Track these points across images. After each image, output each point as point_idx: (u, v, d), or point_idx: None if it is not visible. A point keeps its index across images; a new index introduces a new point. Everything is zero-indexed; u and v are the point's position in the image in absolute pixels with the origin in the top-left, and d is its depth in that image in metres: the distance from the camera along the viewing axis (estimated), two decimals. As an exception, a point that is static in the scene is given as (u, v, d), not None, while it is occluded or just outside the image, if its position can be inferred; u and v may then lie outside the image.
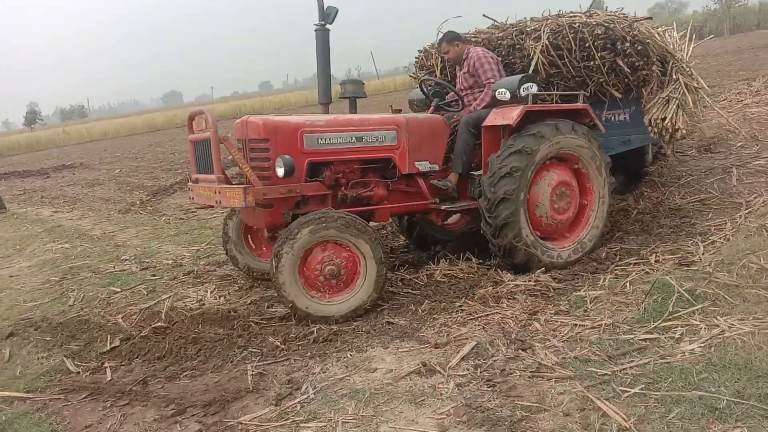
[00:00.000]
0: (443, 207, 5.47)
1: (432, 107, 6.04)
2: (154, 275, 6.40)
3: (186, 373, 4.01)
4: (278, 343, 4.26)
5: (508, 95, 5.25)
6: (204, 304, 5.26)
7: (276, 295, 4.75)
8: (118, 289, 5.97)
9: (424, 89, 6.25)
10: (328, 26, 5.57)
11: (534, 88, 5.24)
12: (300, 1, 5.62)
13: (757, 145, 8.19)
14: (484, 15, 6.77)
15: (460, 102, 5.99)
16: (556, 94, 5.69)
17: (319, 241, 4.56)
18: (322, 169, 5.16)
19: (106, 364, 4.26)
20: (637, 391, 3.06)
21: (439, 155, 5.53)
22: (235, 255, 5.83)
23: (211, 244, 7.43)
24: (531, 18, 6.40)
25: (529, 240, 5.18)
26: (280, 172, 4.72)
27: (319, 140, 5.03)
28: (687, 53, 6.58)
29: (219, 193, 4.73)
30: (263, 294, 5.40)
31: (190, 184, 5.33)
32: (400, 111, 5.88)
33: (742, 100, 11.54)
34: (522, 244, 5.13)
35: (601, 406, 2.96)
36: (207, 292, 5.58)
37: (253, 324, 4.69)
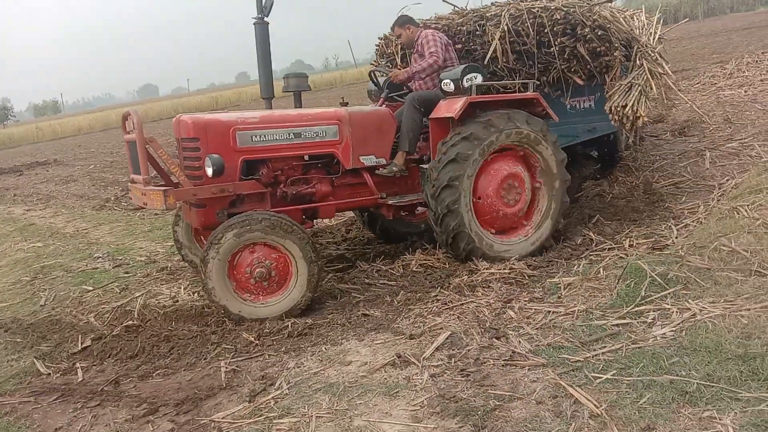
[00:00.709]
0: (390, 202, 5.40)
1: (381, 98, 5.97)
2: (127, 272, 6.31)
3: (158, 371, 3.95)
4: (252, 339, 4.21)
5: (452, 86, 5.20)
6: (177, 301, 5.20)
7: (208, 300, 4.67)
8: (91, 288, 5.87)
9: (374, 79, 6.19)
10: (266, 19, 5.47)
11: (478, 78, 5.17)
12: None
13: (730, 128, 8.26)
14: (444, 1, 6.71)
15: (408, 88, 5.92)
16: (503, 84, 5.65)
17: (245, 244, 4.51)
18: (258, 167, 5.09)
19: (78, 365, 4.19)
20: (609, 376, 3.07)
21: (386, 149, 5.43)
22: (192, 259, 5.77)
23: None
24: (492, 3, 6.36)
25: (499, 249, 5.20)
26: (209, 171, 4.67)
27: (254, 137, 4.95)
28: (654, 38, 6.50)
29: (145, 194, 4.72)
30: (238, 289, 5.34)
31: (129, 184, 5.28)
32: (346, 104, 5.80)
33: (715, 83, 11.63)
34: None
35: (573, 393, 2.96)
36: (180, 288, 5.51)
37: (227, 320, 4.63)
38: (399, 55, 6.75)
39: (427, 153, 5.55)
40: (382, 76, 6.12)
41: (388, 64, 6.82)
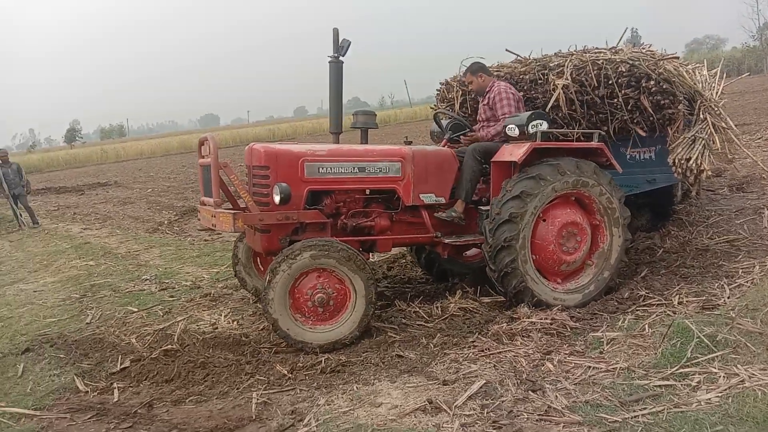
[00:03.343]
0: (446, 241, 5.41)
1: (444, 140, 6.01)
2: (172, 296, 6.44)
3: (192, 398, 3.99)
4: (285, 372, 4.22)
5: (516, 131, 5.21)
6: (217, 328, 5.27)
7: (262, 310, 4.73)
8: (135, 309, 6.02)
9: (438, 122, 6.26)
10: (341, 58, 5.63)
11: (543, 126, 5.17)
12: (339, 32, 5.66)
13: (792, 186, 7.96)
14: (507, 50, 6.75)
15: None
16: (576, 133, 5.60)
17: (317, 266, 4.60)
18: (322, 198, 5.22)
19: (115, 385, 4.28)
20: (648, 441, 2.94)
21: (446, 188, 5.48)
22: (243, 277, 5.95)
23: (230, 268, 7.42)
24: (555, 53, 6.35)
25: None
26: (276, 199, 4.79)
27: (320, 169, 5.08)
28: (717, 92, 6.42)
29: (215, 216, 4.87)
30: (276, 320, 5.37)
31: (198, 206, 5.49)
32: (410, 143, 5.86)
33: (778, 139, 11.29)
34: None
35: (608, 455, 2.84)
36: (221, 315, 5.59)
37: (262, 350, 4.67)
38: (459, 102, 6.79)
39: (486, 195, 5.57)
40: (445, 118, 6.21)
41: (448, 107, 6.87)
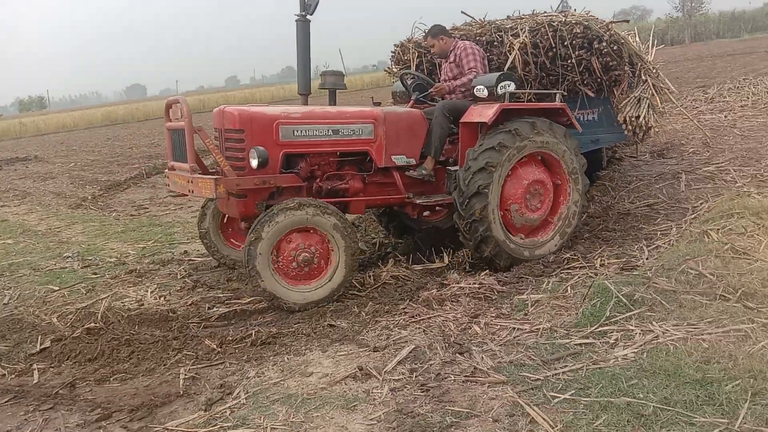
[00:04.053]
0: (418, 201, 5.48)
1: (412, 100, 6.01)
2: (95, 273, 6.21)
3: (116, 376, 3.88)
4: (214, 346, 4.15)
5: (485, 92, 5.27)
6: (143, 305, 5.11)
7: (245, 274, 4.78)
8: (56, 288, 5.77)
9: (405, 82, 6.23)
10: (308, 17, 5.50)
11: (511, 87, 5.26)
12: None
13: (708, 152, 8.36)
14: (462, 12, 6.81)
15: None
16: (534, 93, 5.73)
17: (299, 227, 4.66)
18: (297, 161, 5.17)
19: (35, 366, 4.10)
20: (567, 396, 3.05)
21: (416, 150, 5.51)
22: (205, 213, 5.86)
23: (157, 242, 7.25)
24: (507, 16, 6.47)
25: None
26: (254, 163, 4.70)
27: (295, 132, 5.03)
28: (651, 56, 6.77)
29: (192, 182, 4.75)
30: (205, 295, 5.28)
31: (167, 171, 5.35)
32: (379, 104, 5.83)
33: (696, 107, 11.81)
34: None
35: (530, 412, 2.94)
36: (147, 292, 5.42)
37: (190, 326, 4.58)
38: (414, 63, 6.79)
39: (453, 156, 5.62)
40: (410, 78, 6.20)
41: (404, 69, 6.84)
